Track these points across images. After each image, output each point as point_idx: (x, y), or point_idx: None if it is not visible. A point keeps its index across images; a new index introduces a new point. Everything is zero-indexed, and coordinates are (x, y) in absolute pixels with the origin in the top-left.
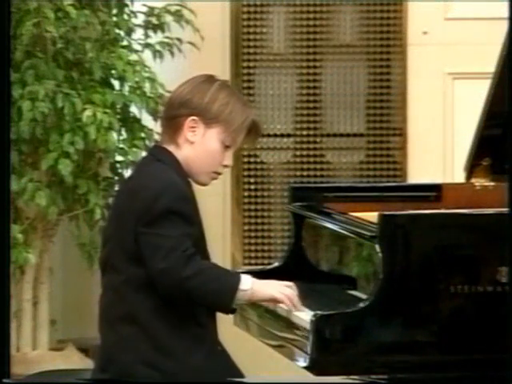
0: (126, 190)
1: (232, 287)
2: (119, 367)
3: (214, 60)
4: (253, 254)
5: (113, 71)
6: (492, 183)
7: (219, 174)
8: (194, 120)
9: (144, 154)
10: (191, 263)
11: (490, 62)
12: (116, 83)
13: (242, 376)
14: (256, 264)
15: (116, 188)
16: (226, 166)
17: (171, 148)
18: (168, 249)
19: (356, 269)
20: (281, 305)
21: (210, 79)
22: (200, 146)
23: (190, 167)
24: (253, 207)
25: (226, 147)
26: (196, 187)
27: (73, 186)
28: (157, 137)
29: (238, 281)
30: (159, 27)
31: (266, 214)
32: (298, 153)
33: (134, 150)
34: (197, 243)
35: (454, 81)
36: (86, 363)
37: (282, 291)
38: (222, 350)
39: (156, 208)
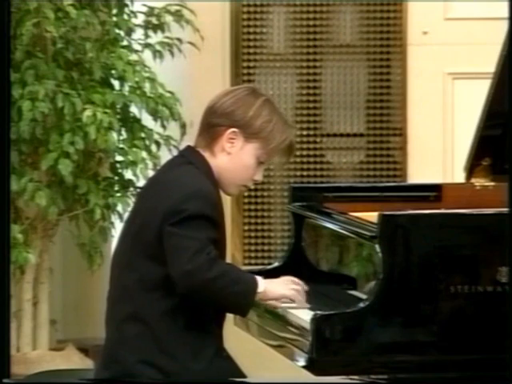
0: (154, 188)
1: (252, 290)
2: (121, 366)
3: (214, 60)
4: (253, 254)
5: (113, 71)
6: (492, 183)
7: (247, 187)
8: (234, 132)
9: (144, 154)
10: (215, 266)
11: (490, 62)
12: (116, 83)
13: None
14: (256, 264)
15: (116, 188)
16: (255, 181)
17: (206, 154)
18: (194, 251)
19: (356, 269)
20: (283, 303)
21: (254, 93)
22: (236, 159)
23: (222, 177)
24: (253, 207)
25: (260, 163)
26: None
27: (73, 186)
28: (156, 137)
29: (256, 284)
30: (159, 27)
31: (266, 214)
32: (298, 153)
33: (134, 149)
34: (219, 248)
35: (454, 81)
36: (86, 363)
37: (290, 288)
38: (227, 357)
39: (185, 210)
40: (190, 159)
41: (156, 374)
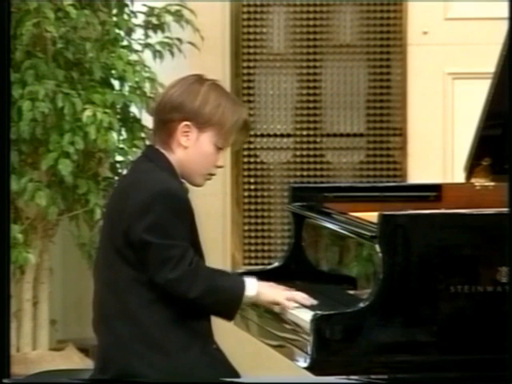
0: (118, 190)
1: (238, 298)
2: (116, 367)
3: (214, 60)
4: (253, 254)
5: (113, 71)
6: (492, 183)
7: (213, 174)
8: (187, 125)
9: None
10: (199, 279)
11: (490, 62)
12: (116, 83)
13: (236, 374)
14: (256, 264)
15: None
16: (219, 167)
17: (164, 151)
18: (175, 261)
19: (356, 269)
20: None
21: (199, 80)
22: (194, 150)
23: (185, 170)
24: (253, 207)
25: (219, 149)
26: (195, 187)
27: (73, 186)
28: None
29: (243, 289)
30: (159, 27)
31: (266, 213)
32: (298, 153)
33: (134, 150)
34: (193, 244)
35: (454, 81)
36: (85, 363)
37: (286, 296)
38: (217, 349)
39: (153, 210)
40: (151, 158)
41: (148, 369)
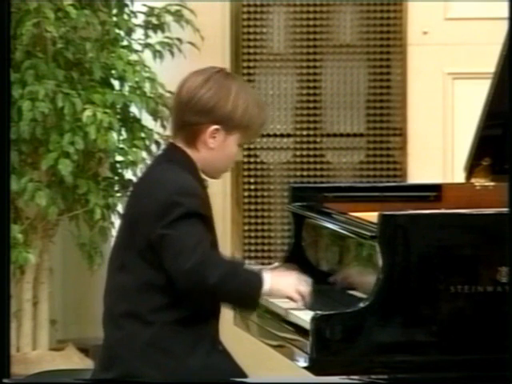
0: (138, 190)
1: (257, 289)
2: (121, 366)
3: (214, 60)
4: (253, 254)
5: (113, 71)
6: (492, 183)
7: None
8: (216, 129)
9: (144, 153)
10: (218, 264)
11: (490, 62)
12: (116, 83)
13: (243, 375)
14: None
15: (116, 188)
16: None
17: (188, 150)
18: (191, 248)
19: (356, 269)
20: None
21: (227, 78)
22: (219, 151)
23: (207, 168)
24: (253, 207)
25: (239, 146)
26: None
27: (73, 186)
28: (157, 137)
29: (261, 282)
30: (159, 27)
31: (266, 213)
32: (298, 153)
33: (134, 149)
34: (211, 243)
35: (454, 81)
36: (86, 363)
37: (297, 289)
38: (223, 350)
39: (173, 210)
40: (171, 157)
41: (154, 371)
